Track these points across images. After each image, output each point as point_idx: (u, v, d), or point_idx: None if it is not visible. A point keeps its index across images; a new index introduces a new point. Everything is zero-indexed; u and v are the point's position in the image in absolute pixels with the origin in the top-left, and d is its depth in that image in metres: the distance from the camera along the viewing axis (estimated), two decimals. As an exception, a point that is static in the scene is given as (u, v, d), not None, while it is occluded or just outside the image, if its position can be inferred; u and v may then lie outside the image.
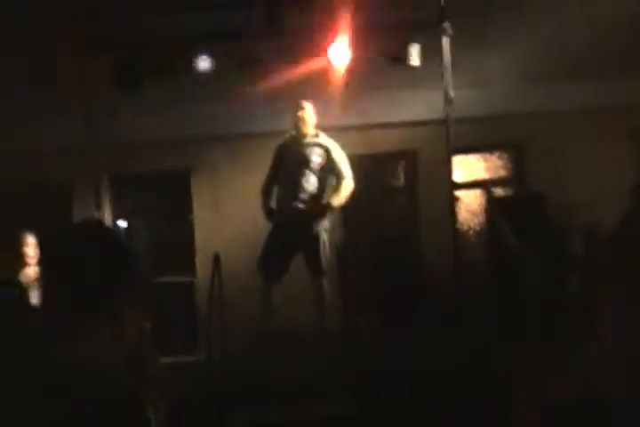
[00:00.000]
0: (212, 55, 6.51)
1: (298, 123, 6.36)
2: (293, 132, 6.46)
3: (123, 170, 6.97)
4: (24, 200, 7.68)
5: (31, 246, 5.72)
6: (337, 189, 6.43)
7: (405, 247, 8.90)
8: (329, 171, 6.41)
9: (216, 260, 6.94)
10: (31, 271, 5.73)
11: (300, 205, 6.34)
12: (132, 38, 6.34)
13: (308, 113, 6.39)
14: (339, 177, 6.43)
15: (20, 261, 5.71)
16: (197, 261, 8.12)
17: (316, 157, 6.40)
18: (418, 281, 8.54)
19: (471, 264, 7.85)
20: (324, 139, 6.48)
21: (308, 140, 6.40)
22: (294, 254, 6.46)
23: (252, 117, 6.71)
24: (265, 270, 6.42)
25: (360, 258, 8.65)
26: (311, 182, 6.37)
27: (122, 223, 8.24)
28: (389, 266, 8.74)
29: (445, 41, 6.83)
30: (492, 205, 8.90)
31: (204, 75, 6.61)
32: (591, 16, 7.90)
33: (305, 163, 6.35)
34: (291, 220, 6.35)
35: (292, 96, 7.09)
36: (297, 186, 6.34)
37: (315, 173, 6.38)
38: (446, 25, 6.79)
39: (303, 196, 6.34)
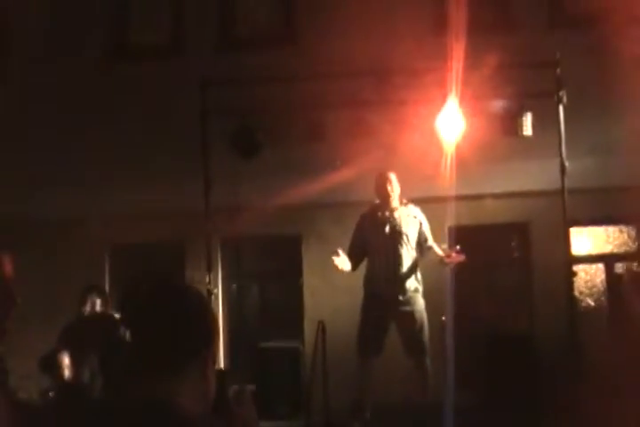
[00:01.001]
0: (324, 123, 6.62)
1: (385, 194, 6.34)
2: (377, 202, 6.44)
3: (236, 233, 7.16)
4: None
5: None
6: (431, 251, 6.43)
7: (518, 322, 8.57)
8: (418, 240, 6.42)
9: (321, 326, 6.92)
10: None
11: (397, 281, 6.28)
12: (251, 106, 6.56)
13: (395, 184, 6.37)
14: (426, 246, 6.44)
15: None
16: (305, 326, 8.10)
17: (412, 229, 6.37)
18: (531, 361, 8.16)
19: (589, 343, 7.48)
20: (414, 209, 6.45)
21: (400, 211, 6.38)
22: (389, 331, 6.36)
23: (359, 186, 6.76)
24: (362, 351, 6.33)
25: (471, 333, 8.39)
26: (406, 254, 6.33)
27: (233, 285, 8.39)
28: (501, 341, 8.42)
29: (561, 110, 6.74)
30: (615, 280, 8.51)
31: (316, 143, 6.74)
32: None
33: (399, 235, 6.31)
34: (386, 292, 6.29)
35: (403, 166, 7.13)
36: (392, 259, 6.28)
37: (411, 245, 6.35)
38: (562, 93, 6.71)
39: (399, 270, 6.29)
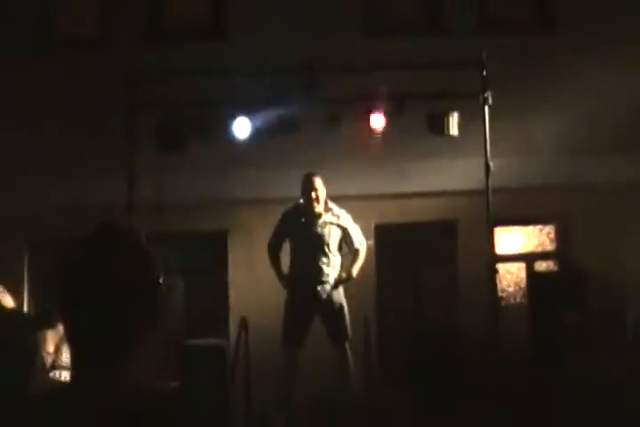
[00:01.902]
0: (251, 120, 6.58)
1: (309, 199, 6.34)
2: (302, 201, 6.44)
3: (161, 229, 7.02)
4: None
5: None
6: (354, 259, 6.51)
7: (442, 319, 8.68)
8: (344, 242, 6.51)
9: (243, 322, 6.88)
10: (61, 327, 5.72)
11: (320, 282, 6.41)
12: (176, 100, 6.47)
13: (320, 188, 6.36)
14: (353, 249, 6.53)
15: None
16: (231, 323, 8.04)
17: (334, 235, 6.44)
18: (454, 355, 8.28)
19: (512, 340, 7.63)
20: (337, 212, 6.48)
21: (324, 218, 6.41)
22: (313, 321, 6.49)
23: (286, 182, 6.74)
24: (287, 339, 6.46)
25: (394, 329, 8.47)
26: (328, 259, 6.42)
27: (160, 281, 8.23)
28: (425, 338, 8.52)
29: (486, 110, 6.86)
30: (534, 279, 8.68)
31: (243, 139, 6.70)
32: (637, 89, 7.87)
33: (322, 242, 6.38)
34: (309, 290, 6.41)
35: (331, 163, 7.15)
36: (314, 264, 6.38)
37: (332, 253, 6.44)
38: (487, 94, 6.83)
39: (322, 274, 6.40)
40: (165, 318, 1.54)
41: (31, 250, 8.05)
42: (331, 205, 6.47)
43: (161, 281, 1.50)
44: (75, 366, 1.45)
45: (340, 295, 6.46)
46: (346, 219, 6.50)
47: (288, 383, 6.48)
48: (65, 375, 5.83)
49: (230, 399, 6.98)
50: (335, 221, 6.43)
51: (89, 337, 1.41)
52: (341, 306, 6.43)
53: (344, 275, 6.45)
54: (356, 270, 6.48)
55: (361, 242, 6.56)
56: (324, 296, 6.39)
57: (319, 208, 6.36)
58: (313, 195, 6.31)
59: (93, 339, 1.41)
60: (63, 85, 7.70)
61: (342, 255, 6.57)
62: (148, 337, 1.46)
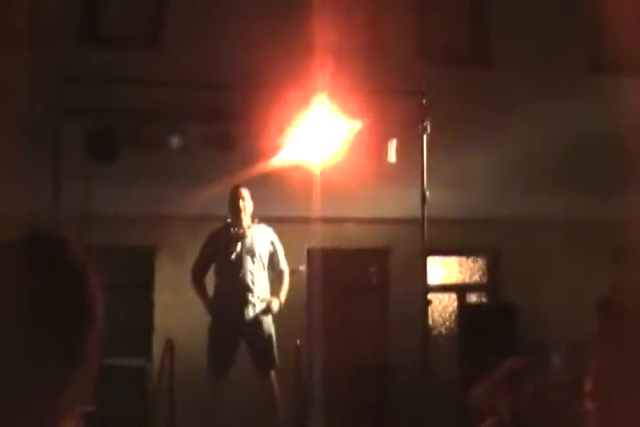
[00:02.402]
0: (184, 133, 6.45)
1: (237, 211, 6.20)
2: (229, 220, 6.30)
3: (86, 242, 6.76)
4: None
5: None
6: (280, 284, 6.34)
7: (372, 348, 8.61)
8: (269, 262, 6.32)
9: (168, 344, 6.67)
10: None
11: (248, 302, 6.19)
12: (109, 107, 6.31)
13: (248, 201, 6.25)
14: (277, 270, 6.36)
15: None
16: (154, 343, 7.81)
17: (263, 248, 6.28)
18: (384, 384, 8.21)
19: (440, 370, 7.58)
20: (266, 229, 6.37)
21: (252, 229, 6.27)
22: (238, 346, 6.25)
23: (218, 200, 6.60)
24: (212, 365, 6.19)
25: (322, 358, 8.35)
26: (257, 274, 6.22)
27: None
28: (353, 367, 8.42)
29: (425, 139, 6.87)
30: (464, 310, 8.70)
31: (175, 152, 6.54)
32: (577, 129, 8.00)
33: (251, 253, 6.20)
34: (235, 312, 6.17)
35: (265, 183, 7.05)
36: (242, 278, 6.18)
37: (262, 264, 6.26)
38: (426, 124, 6.85)
39: (249, 290, 6.19)
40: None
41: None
42: (258, 220, 6.36)
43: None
44: None
45: (268, 320, 6.24)
46: (274, 236, 6.37)
47: (212, 413, 6.18)
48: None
49: (151, 425, 6.75)
50: (264, 234, 6.30)
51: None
52: (269, 332, 6.22)
53: (273, 303, 6.21)
54: (284, 295, 6.28)
55: (286, 268, 6.40)
56: (251, 319, 6.16)
57: (247, 220, 6.23)
58: (241, 205, 6.18)
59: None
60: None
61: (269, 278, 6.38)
62: (78, 372, 1.17)
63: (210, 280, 6.40)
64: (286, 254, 6.43)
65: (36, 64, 7.04)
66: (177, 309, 7.84)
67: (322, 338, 8.32)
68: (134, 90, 6.60)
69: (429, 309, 7.80)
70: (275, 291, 6.32)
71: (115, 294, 8.14)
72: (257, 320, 6.19)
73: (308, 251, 8.13)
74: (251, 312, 6.16)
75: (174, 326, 7.58)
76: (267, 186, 6.99)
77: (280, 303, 6.25)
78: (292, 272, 6.53)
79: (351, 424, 7.94)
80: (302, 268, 7.27)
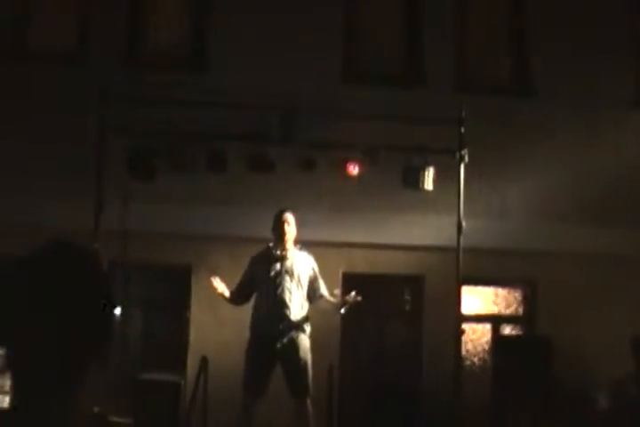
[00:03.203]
0: (224, 154, 6.60)
1: (281, 235, 6.27)
2: (271, 244, 6.36)
3: (125, 259, 6.95)
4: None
5: None
6: (324, 300, 6.37)
7: (405, 375, 8.58)
8: (309, 287, 6.35)
9: (203, 362, 6.77)
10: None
11: (285, 317, 6.21)
12: (152, 128, 6.47)
13: (292, 226, 6.32)
14: (318, 295, 6.37)
15: None
16: (189, 360, 7.92)
17: (303, 271, 6.32)
18: (416, 412, 8.16)
19: (472, 400, 7.54)
20: (307, 256, 6.42)
21: (294, 253, 6.35)
22: (274, 369, 6.25)
23: (257, 222, 6.72)
24: (247, 388, 6.19)
25: (357, 383, 8.36)
26: (295, 293, 6.27)
27: (117, 311, 8.14)
28: (387, 393, 8.41)
29: (462, 168, 6.91)
30: (498, 342, 8.64)
31: (214, 173, 6.69)
32: (617, 162, 7.97)
33: (290, 273, 6.26)
34: (272, 329, 6.21)
35: (303, 207, 7.15)
36: (280, 295, 6.21)
37: (300, 285, 6.29)
38: (464, 152, 6.89)
39: (286, 306, 6.22)
40: (118, 349, 1.44)
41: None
42: (300, 246, 6.46)
43: (117, 310, 1.43)
44: (16, 394, 1.38)
45: (305, 348, 6.24)
46: (314, 263, 6.43)
47: None
48: (7, 401, 5.72)
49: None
50: (305, 260, 6.38)
51: (30, 363, 1.32)
52: (306, 360, 6.21)
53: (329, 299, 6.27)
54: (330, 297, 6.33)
55: (325, 291, 6.40)
56: (288, 340, 6.17)
57: (289, 244, 6.32)
58: (285, 229, 6.27)
59: (34, 365, 1.32)
60: (35, 102, 7.70)
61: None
62: (93, 366, 1.38)
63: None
64: (322, 278, 6.48)
65: (82, 84, 7.29)
66: (212, 326, 7.96)
67: (355, 362, 8.35)
68: (176, 110, 6.77)
69: (463, 338, 7.79)
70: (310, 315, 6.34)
71: (151, 310, 8.33)
72: (294, 343, 6.20)
73: (344, 275, 8.20)
74: (287, 329, 6.18)
75: (209, 343, 7.69)
76: (304, 210, 7.09)
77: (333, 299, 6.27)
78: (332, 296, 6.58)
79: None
80: (337, 292, 7.33)
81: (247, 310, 6.39)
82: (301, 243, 6.46)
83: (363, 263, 8.22)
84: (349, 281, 8.15)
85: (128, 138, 6.33)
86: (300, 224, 6.41)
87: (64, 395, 1.32)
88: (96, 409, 4.66)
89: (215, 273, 6.45)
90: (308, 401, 6.20)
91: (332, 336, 7.91)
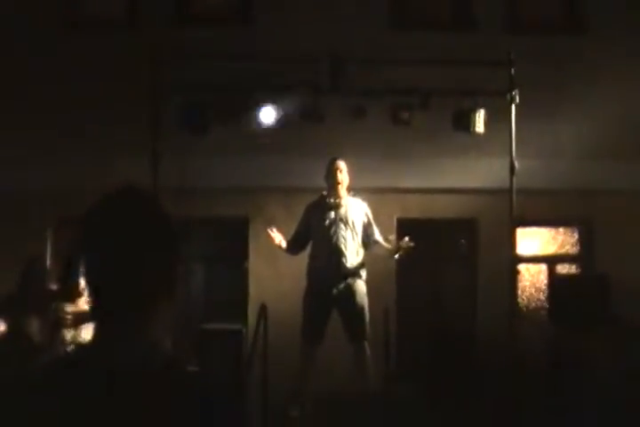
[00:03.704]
0: (275, 106, 6.62)
1: (334, 183, 6.31)
2: (325, 193, 6.41)
3: (182, 213, 7.06)
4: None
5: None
6: (378, 246, 6.40)
7: (461, 318, 8.68)
8: (364, 233, 6.39)
9: (262, 309, 6.93)
10: (82, 302, 5.91)
11: (341, 265, 6.28)
12: (201, 83, 6.52)
13: (344, 173, 6.34)
14: (372, 240, 6.40)
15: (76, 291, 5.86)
16: (249, 310, 8.11)
17: (357, 218, 6.36)
18: (470, 355, 8.27)
19: (529, 341, 7.61)
20: (361, 202, 6.46)
21: (348, 201, 6.38)
22: (330, 316, 6.38)
23: (310, 172, 6.77)
24: (305, 337, 6.35)
25: (413, 326, 8.48)
26: (350, 241, 6.31)
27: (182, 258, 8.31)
28: (443, 336, 8.51)
29: (513, 110, 6.85)
30: (555, 281, 8.64)
31: (267, 125, 6.73)
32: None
33: (344, 221, 6.31)
34: (329, 277, 6.30)
35: (355, 155, 7.16)
36: (336, 243, 6.28)
37: (355, 232, 6.33)
38: (514, 93, 6.81)
39: (342, 254, 6.28)
40: (181, 302, 1.56)
41: (55, 227, 8.21)
42: (354, 193, 6.50)
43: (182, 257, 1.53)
44: (95, 324, 1.49)
45: (362, 293, 6.34)
46: (368, 210, 6.47)
47: (303, 381, 6.39)
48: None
49: (246, 387, 7.03)
50: (359, 206, 6.42)
51: (109, 294, 1.45)
52: (362, 305, 6.32)
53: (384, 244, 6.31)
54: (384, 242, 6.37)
55: (379, 237, 6.45)
56: (344, 287, 6.27)
57: (343, 192, 6.37)
58: (338, 177, 6.31)
59: (112, 296, 1.44)
60: (90, 67, 7.81)
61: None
62: (165, 303, 1.48)
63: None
64: (377, 224, 6.53)
65: (134, 44, 7.36)
66: (270, 277, 8.11)
67: (410, 306, 8.46)
68: (226, 65, 6.80)
69: (518, 279, 7.82)
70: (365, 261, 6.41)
71: (211, 263, 8.51)
72: (350, 289, 6.30)
73: (398, 220, 8.24)
74: (342, 277, 6.27)
75: (267, 293, 7.84)
76: (356, 158, 7.11)
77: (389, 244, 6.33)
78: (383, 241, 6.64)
79: (438, 390, 8.05)
80: (392, 237, 7.39)
81: (304, 259, 6.50)
82: (355, 190, 6.50)
83: (416, 208, 8.24)
84: (404, 226, 8.21)
85: (181, 94, 6.38)
86: (353, 171, 6.44)
87: (138, 326, 1.44)
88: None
89: (271, 224, 6.55)
90: (366, 344, 6.33)
91: (388, 281, 8.00)
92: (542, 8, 8.45)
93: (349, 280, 6.31)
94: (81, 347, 1.59)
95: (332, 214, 6.33)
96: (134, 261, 1.45)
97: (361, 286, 6.36)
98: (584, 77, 8.03)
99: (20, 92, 7.97)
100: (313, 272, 6.41)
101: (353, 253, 6.34)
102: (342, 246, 6.29)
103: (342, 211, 6.34)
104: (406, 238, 6.27)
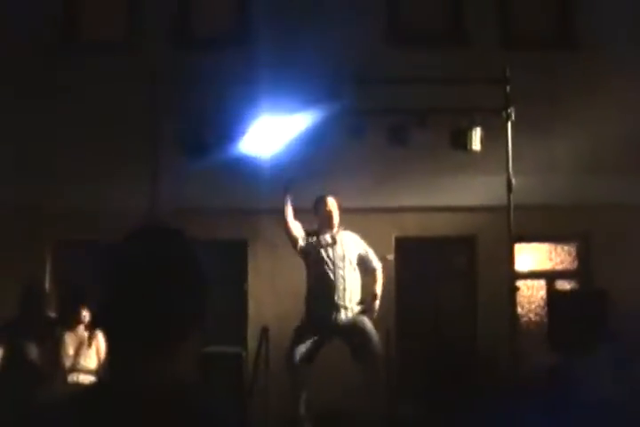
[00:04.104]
0: (276, 128, 6.62)
1: (327, 219, 6.27)
2: (315, 227, 6.35)
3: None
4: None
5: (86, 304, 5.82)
6: (374, 279, 6.35)
7: (461, 335, 8.66)
8: (358, 264, 6.35)
9: (264, 333, 6.88)
10: (82, 329, 5.86)
11: (341, 307, 6.20)
12: (203, 105, 6.54)
13: (335, 210, 6.30)
14: (371, 268, 6.38)
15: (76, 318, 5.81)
16: (248, 332, 8.06)
17: (353, 254, 6.31)
18: (471, 371, 8.24)
19: (529, 357, 7.58)
20: (352, 234, 6.41)
21: (341, 235, 6.33)
22: (330, 342, 6.30)
23: (307, 192, 6.75)
24: (294, 359, 6.21)
25: (413, 344, 8.45)
26: (349, 279, 6.25)
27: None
28: (444, 354, 8.48)
29: (509, 127, 6.86)
30: (553, 297, 8.64)
31: (267, 147, 6.73)
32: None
33: (343, 261, 6.24)
34: (328, 318, 6.21)
35: (353, 174, 7.17)
36: (335, 285, 6.20)
37: (353, 266, 6.29)
38: (510, 111, 6.83)
39: (342, 298, 6.20)
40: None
41: (54, 249, 8.16)
42: (344, 228, 6.43)
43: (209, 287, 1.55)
44: (113, 359, 1.50)
45: (371, 329, 6.21)
46: (361, 241, 6.43)
47: (297, 400, 6.27)
48: (83, 378, 5.90)
49: (248, 409, 6.97)
50: (352, 239, 6.38)
51: (137, 327, 1.45)
52: (364, 326, 6.21)
53: (367, 298, 6.26)
54: (379, 290, 6.32)
55: (379, 265, 6.43)
56: (345, 322, 6.18)
57: (336, 228, 6.31)
58: (329, 214, 6.27)
59: (141, 329, 1.44)
60: (89, 87, 7.83)
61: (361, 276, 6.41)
62: (192, 336, 1.50)
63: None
64: (374, 243, 6.51)
65: (133, 65, 7.38)
66: (269, 299, 8.06)
67: (411, 325, 8.43)
68: (225, 88, 6.82)
69: (517, 295, 7.80)
70: (368, 289, 6.35)
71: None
72: (351, 322, 6.20)
73: (396, 239, 8.24)
74: (343, 317, 6.19)
75: (267, 315, 7.80)
76: (354, 177, 7.13)
77: (375, 297, 6.28)
78: (381, 261, 6.62)
79: (439, 408, 8.01)
80: (390, 257, 7.36)
81: (303, 281, 6.42)
82: (353, 210, 6.47)
83: (414, 227, 8.24)
84: (402, 245, 8.22)
85: (179, 117, 6.39)
86: (349, 192, 6.43)
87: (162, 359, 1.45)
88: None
89: (271, 245, 6.53)
90: (380, 364, 6.27)
91: (388, 299, 7.96)
92: (537, 23, 8.51)
93: (356, 318, 6.21)
94: (105, 375, 1.59)
95: (330, 252, 6.25)
96: (163, 297, 1.45)
97: (367, 322, 6.24)
98: (578, 92, 8.08)
99: (22, 107, 7.96)
100: (313, 313, 6.28)
101: (354, 292, 6.26)
102: (341, 287, 6.20)
103: (337, 248, 6.26)
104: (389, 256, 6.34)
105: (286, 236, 6.33)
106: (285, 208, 6.24)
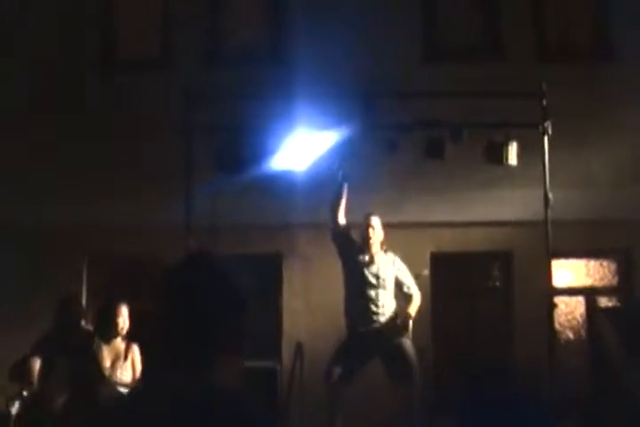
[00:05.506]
0: (310, 145, 6.64)
1: (366, 239, 6.33)
2: (358, 244, 6.40)
3: (216, 251, 7.05)
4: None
5: (123, 317, 5.85)
6: (410, 301, 6.39)
7: (497, 352, 8.54)
8: (399, 287, 6.41)
9: (299, 348, 6.88)
10: (118, 342, 5.89)
11: (377, 325, 6.25)
12: (237, 122, 6.59)
13: (377, 230, 6.37)
14: (408, 294, 6.42)
15: (113, 331, 5.84)
16: (283, 347, 8.05)
17: (390, 276, 6.35)
18: (508, 387, 8.11)
19: (567, 375, 7.45)
20: (393, 256, 6.45)
21: (380, 256, 6.38)
22: (370, 361, 6.29)
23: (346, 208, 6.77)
24: (333, 375, 6.21)
25: (450, 362, 8.36)
26: (385, 301, 6.29)
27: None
28: (481, 371, 8.37)
29: (546, 141, 6.80)
30: (594, 314, 8.50)
31: (301, 163, 6.76)
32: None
33: (378, 280, 6.29)
34: (368, 334, 6.25)
35: (388, 190, 7.13)
36: (371, 306, 6.26)
37: (389, 289, 6.33)
38: (547, 125, 6.77)
39: (379, 316, 6.26)
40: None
41: (90, 265, 8.26)
42: (386, 248, 6.46)
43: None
44: (158, 370, 1.65)
45: (411, 351, 6.24)
46: (401, 263, 6.46)
47: (334, 417, 6.28)
48: (119, 391, 5.92)
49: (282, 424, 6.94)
50: (392, 260, 6.40)
51: (188, 346, 1.61)
52: (407, 352, 6.23)
53: (402, 315, 6.28)
54: (414, 312, 6.33)
55: (417, 292, 6.46)
56: (387, 344, 6.22)
57: (375, 248, 6.36)
58: (370, 233, 6.32)
59: (191, 348, 1.61)
60: (123, 105, 7.95)
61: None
62: (235, 354, 1.67)
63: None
64: (409, 259, 6.51)
65: (167, 84, 7.49)
66: (303, 313, 8.05)
67: (447, 342, 8.34)
68: (258, 105, 6.86)
69: (555, 312, 7.68)
70: (404, 309, 6.36)
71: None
72: (394, 345, 6.22)
73: (432, 255, 8.18)
74: (383, 337, 6.21)
75: (301, 330, 7.79)
76: (389, 193, 7.10)
77: (409, 318, 6.29)
78: (416, 277, 6.60)
79: (478, 425, 7.89)
80: (426, 272, 7.31)
81: (339, 296, 6.46)
82: (390, 225, 6.46)
83: (450, 242, 8.18)
84: (438, 261, 8.17)
85: (214, 133, 6.44)
86: (385, 207, 6.43)
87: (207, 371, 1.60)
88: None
89: (305, 259, 6.54)
90: (418, 385, 6.25)
91: (423, 317, 7.90)
92: (572, 37, 8.46)
93: (400, 341, 6.22)
94: (145, 387, 1.73)
95: (367, 274, 6.30)
96: (209, 320, 1.64)
97: (408, 343, 6.26)
98: (616, 104, 7.98)
99: (48, 128, 8.07)
100: (353, 332, 6.32)
101: (388, 312, 6.29)
102: (378, 308, 6.25)
103: (374, 268, 6.32)
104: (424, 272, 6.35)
105: (331, 220, 6.41)
106: (341, 194, 6.33)
